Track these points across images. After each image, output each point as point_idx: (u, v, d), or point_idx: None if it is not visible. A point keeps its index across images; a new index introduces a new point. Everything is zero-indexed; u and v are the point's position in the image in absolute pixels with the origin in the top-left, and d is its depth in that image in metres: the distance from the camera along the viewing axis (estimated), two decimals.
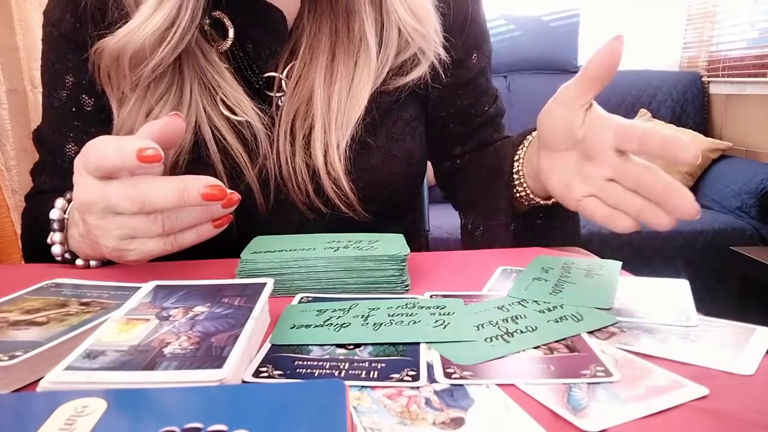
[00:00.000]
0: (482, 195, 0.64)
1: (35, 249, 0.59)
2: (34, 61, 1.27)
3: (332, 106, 0.57)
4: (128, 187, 0.42)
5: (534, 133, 0.58)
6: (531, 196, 0.58)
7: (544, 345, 0.35)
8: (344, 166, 0.57)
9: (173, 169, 0.56)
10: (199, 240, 0.47)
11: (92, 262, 0.52)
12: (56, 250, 0.52)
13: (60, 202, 0.52)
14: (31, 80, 1.27)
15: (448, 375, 0.31)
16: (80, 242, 0.50)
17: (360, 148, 0.59)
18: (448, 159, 0.73)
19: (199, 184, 0.42)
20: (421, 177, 0.68)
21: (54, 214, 0.51)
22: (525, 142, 0.59)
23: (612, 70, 0.45)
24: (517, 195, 0.60)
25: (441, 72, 0.62)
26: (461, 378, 0.31)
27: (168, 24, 0.52)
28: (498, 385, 0.31)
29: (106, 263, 0.53)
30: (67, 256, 0.52)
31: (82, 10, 0.58)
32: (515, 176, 0.59)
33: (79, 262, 0.52)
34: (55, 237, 0.51)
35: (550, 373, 0.32)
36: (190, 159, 0.57)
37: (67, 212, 0.52)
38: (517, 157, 0.59)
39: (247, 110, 0.57)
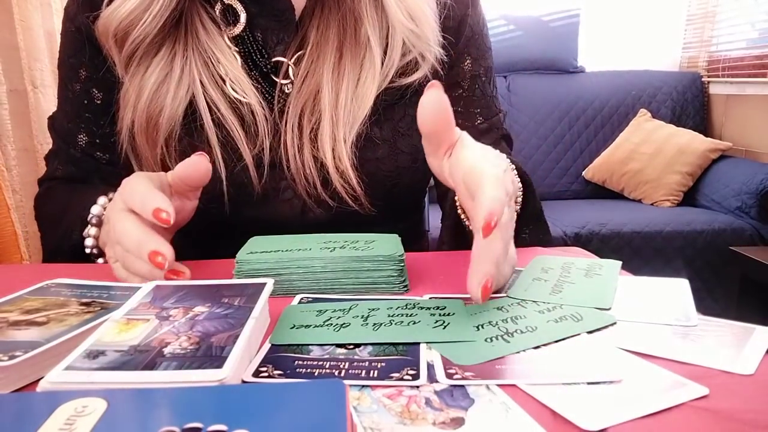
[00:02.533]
0: (443, 196, 0.66)
1: (53, 234, 0.62)
2: (35, 61, 1.27)
3: (339, 103, 0.58)
4: (124, 222, 0.45)
5: None
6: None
7: (544, 345, 0.35)
8: (351, 161, 0.58)
9: (168, 138, 0.59)
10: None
11: None
12: (89, 242, 0.55)
13: (102, 200, 0.55)
14: (32, 80, 1.27)
15: (449, 376, 0.31)
16: (104, 236, 0.52)
17: (366, 140, 0.60)
18: None
19: (152, 244, 0.43)
20: (427, 175, 0.68)
21: (95, 209, 0.54)
22: None
23: (439, 118, 0.42)
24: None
25: (441, 71, 0.63)
26: (463, 378, 0.31)
27: (143, 8, 0.55)
28: (499, 385, 0.31)
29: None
30: (95, 251, 0.55)
31: (97, 4, 0.59)
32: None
33: (100, 260, 0.55)
34: (90, 231, 0.54)
35: (552, 373, 0.32)
36: (184, 129, 0.59)
37: (107, 210, 0.55)
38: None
39: (246, 89, 0.58)
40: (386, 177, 0.61)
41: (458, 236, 0.60)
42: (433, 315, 0.39)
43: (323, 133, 0.58)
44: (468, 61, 0.68)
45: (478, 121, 0.69)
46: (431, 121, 0.42)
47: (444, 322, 0.38)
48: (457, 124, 0.68)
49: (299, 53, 0.61)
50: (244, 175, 0.59)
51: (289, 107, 0.59)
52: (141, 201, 0.44)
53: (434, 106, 0.41)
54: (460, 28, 0.66)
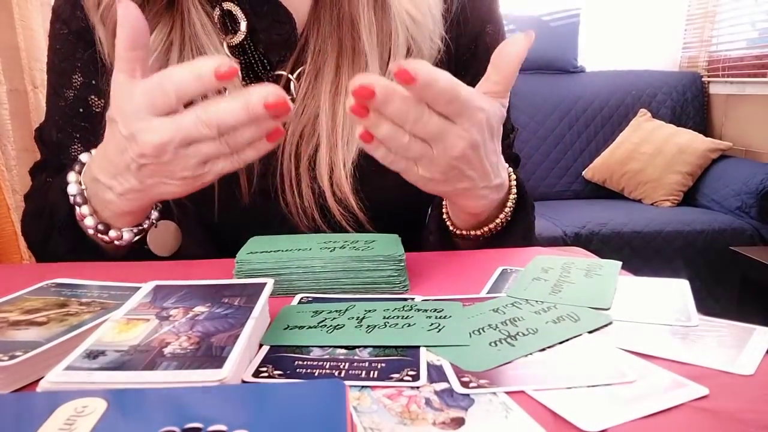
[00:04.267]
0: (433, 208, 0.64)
1: (46, 240, 0.57)
2: (35, 61, 1.27)
3: (337, 122, 0.56)
4: (199, 113, 0.41)
5: None
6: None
7: (549, 347, 0.35)
8: (351, 185, 0.56)
9: None
10: (259, 155, 0.45)
11: (125, 234, 0.51)
12: (90, 222, 0.50)
13: (73, 176, 0.51)
14: (32, 80, 1.27)
15: (465, 384, 0.31)
16: (120, 202, 0.48)
17: (366, 155, 0.57)
18: None
19: (259, 96, 0.40)
20: None
21: (72, 189, 0.50)
22: None
23: (517, 62, 0.45)
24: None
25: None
26: (479, 387, 0.30)
27: None
28: (515, 392, 0.30)
29: (101, 259, 0.53)
30: (100, 227, 0.50)
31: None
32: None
33: (112, 233, 0.51)
34: (83, 210, 0.50)
35: (566, 377, 0.31)
36: None
37: (82, 184, 0.51)
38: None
39: None
40: (390, 189, 0.58)
41: (444, 230, 0.60)
42: (429, 317, 0.38)
43: (321, 161, 0.56)
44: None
45: None
46: (513, 60, 0.45)
47: (439, 325, 0.37)
48: None
49: (300, 69, 0.58)
50: (234, 181, 0.57)
51: (287, 134, 0.57)
52: (193, 76, 0.40)
53: (522, 48, 0.44)
54: (476, 46, 0.63)
